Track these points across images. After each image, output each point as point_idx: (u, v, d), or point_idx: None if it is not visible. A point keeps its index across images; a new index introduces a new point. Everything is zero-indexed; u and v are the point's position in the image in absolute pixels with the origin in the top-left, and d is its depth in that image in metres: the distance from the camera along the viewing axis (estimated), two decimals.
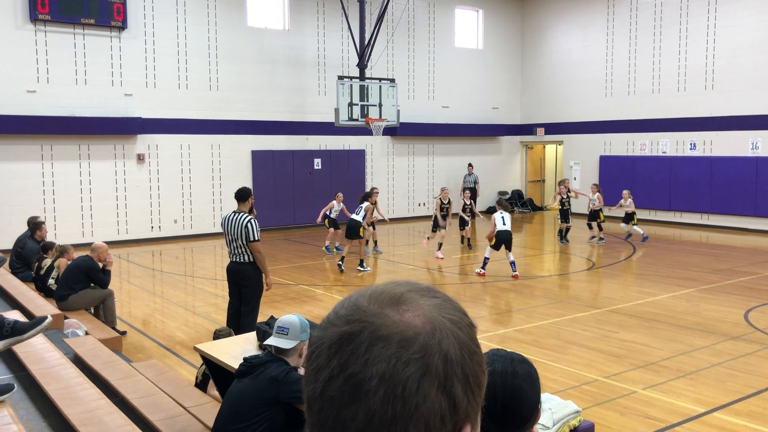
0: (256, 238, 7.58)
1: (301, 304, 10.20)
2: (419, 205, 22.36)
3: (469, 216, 15.67)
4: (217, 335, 6.12)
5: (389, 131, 20.02)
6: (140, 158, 17.18)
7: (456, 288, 11.44)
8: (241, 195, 7.78)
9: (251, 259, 7.66)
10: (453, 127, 22.55)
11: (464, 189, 21.54)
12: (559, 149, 24.50)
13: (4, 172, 15.40)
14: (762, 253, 14.78)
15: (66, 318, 7.10)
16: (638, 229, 16.35)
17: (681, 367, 7.06)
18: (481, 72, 23.46)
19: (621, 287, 11.16)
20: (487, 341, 7.87)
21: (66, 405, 4.17)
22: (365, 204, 13.12)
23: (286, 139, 19.41)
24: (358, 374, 0.75)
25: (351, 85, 17.22)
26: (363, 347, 0.76)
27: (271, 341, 3.94)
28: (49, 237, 11.74)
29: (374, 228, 14.87)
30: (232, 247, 7.71)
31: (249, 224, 7.57)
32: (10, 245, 11.58)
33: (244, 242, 7.57)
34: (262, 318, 7.00)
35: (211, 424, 4.10)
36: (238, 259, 7.71)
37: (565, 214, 16.24)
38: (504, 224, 12.02)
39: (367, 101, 17.36)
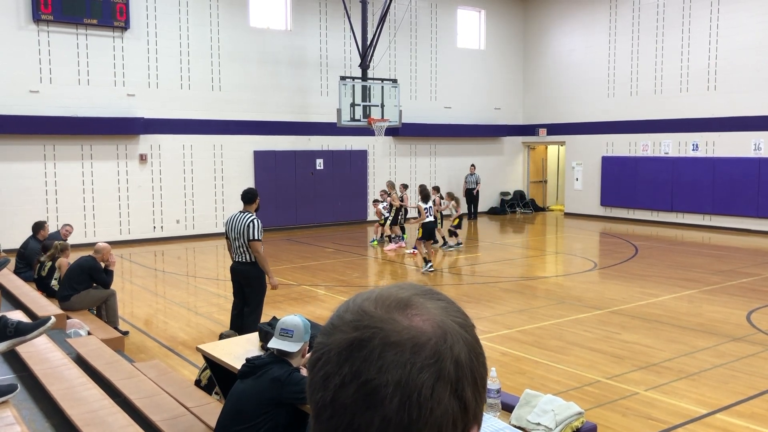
0: (256, 238, 7.59)
1: (304, 304, 10.20)
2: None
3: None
4: (222, 338, 6.12)
5: (391, 132, 20.01)
6: (143, 158, 17.20)
7: (459, 289, 11.44)
8: (249, 197, 7.81)
9: (253, 259, 7.68)
10: (455, 128, 22.55)
11: (466, 190, 21.79)
12: (561, 150, 24.49)
13: (6, 172, 15.43)
14: (764, 254, 14.76)
15: (68, 318, 7.12)
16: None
17: (683, 368, 7.06)
18: (483, 72, 23.46)
19: (623, 288, 11.16)
20: (489, 342, 7.87)
21: (69, 405, 4.18)
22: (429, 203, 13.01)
23: (288, 139, 19.43)
24: (373, 381, 0.75)
25: (353, 85, 17.23)
26: (375, 354, 0.76)
27: (277, 345, 3.91)
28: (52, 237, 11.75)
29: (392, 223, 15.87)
30: (235, 247, 7.75)
31: (251, 223, 7.59)
32: (12, 245, 11.61)
33: (246, 241, 7.59)
34: (264, 318, 7.01)
35: (213, 424, 4.10)
36: (240, 259, 7.74)
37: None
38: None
39: (370, 102, 17.37)
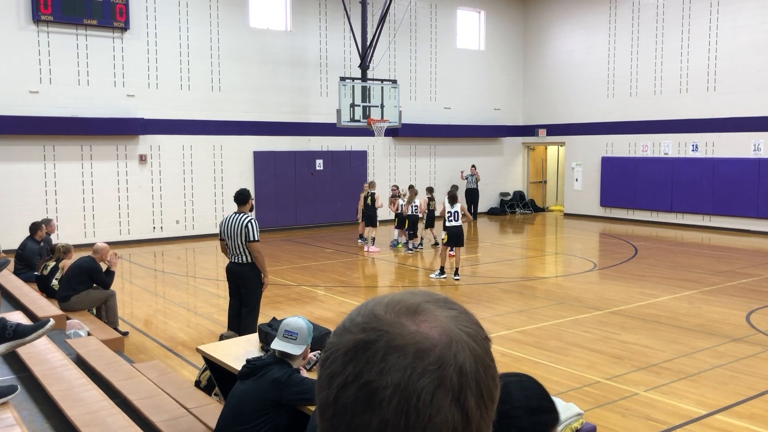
0: (256, 239, 7.59)
1: (303, 305, 10.20)
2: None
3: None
4: (222, 339, 6.12)
5: (391, 132, 20.02)
6: (142, 159, 17.20)
7: (459, 289, 11.44)
8: (242, 198, 7.80)
9: (250, 260, 7.66)
10: (455, 128, 22.55)
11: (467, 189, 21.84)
12: (561, 150, 24.50)
13: (6, 172, 15.43)
14: (764, 254, 14.76)
15: (68, 319, 7.11)
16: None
17: (683, 368, 7.06)
18: (483, 73, 23.46)
19: (622, 289, 11.16)
20: None
21: (69, 406, 4.18)
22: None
23: (288, 140, 19.43)
24: (373, 383, 0.75)
25: (353, 86, 17.23)
26: (378, 356, 0.77)
27: (280, 346, 3.89)
28: (52, 237, 11.74)
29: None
30: (232, 248, 7.73)
31: (249, 224, 7.58)
32: (13, 246, 11.60)
33: (243, 242, 7.58)
34: (264, 319, 7.00)
35: (213, 425, 4.10)
36: (236, 260, 7.72)
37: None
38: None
39: (369, 102, 17.38)
